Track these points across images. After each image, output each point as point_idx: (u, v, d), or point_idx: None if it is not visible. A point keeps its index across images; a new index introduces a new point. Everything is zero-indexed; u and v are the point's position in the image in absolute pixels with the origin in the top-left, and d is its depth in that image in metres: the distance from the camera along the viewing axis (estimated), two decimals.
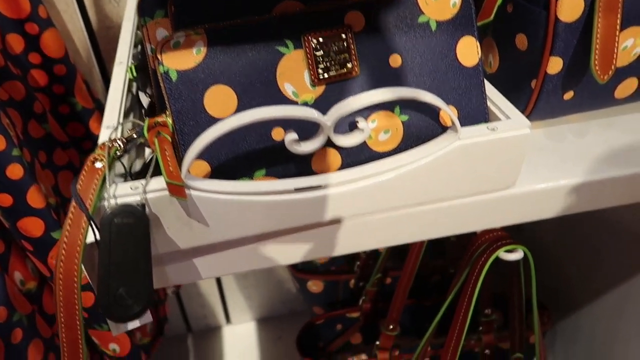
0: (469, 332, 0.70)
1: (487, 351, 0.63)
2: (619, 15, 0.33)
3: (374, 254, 0.69)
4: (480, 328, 0.63)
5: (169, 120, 0.29)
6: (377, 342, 0.61)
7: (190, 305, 0.90)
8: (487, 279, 0.60)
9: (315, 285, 0.73)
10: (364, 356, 0.62)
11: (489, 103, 0.34)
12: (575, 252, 0.75)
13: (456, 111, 0.33)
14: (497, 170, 0.34)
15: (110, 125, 0.33)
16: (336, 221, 0.34)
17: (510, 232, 0.50)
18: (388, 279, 0.70)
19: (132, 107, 0.38)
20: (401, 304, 0.56)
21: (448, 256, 0.68)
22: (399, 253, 0.64)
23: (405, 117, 0.31)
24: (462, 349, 0.64)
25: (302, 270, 0.77)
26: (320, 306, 0.75)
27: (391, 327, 0.59)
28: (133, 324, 0.29)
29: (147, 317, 0.29)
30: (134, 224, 0.26)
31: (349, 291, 0.74)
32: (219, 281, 0.87)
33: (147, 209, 0.28)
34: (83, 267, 0.28)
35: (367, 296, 0.66)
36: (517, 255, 0.40)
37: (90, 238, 0.28)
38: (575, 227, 0.73)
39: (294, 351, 0.68)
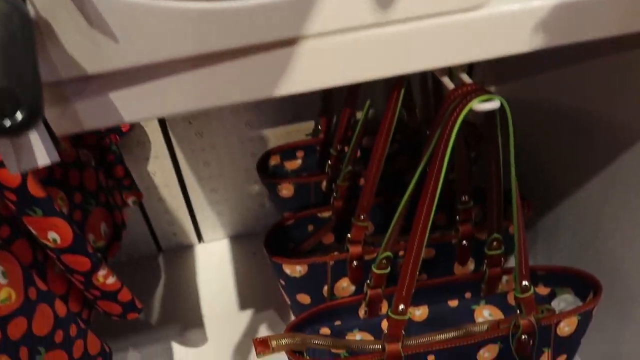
0: (445, 225, 0.67)
1: (464, 242, 0.61)
2: None
3: (343, 151, 0.65)
4: (457, 217, 0.59)
5: None
6: (349, 235, 0.57)
7: (158, 223, 0.86)
8: (465, 161, 0.56)
9: (285, 189, 0.69)
10: (335, 253, 0.59)
11: None
12: (555, 140, 0.71)
13: None
14: None
15: None
16: (293, 41, 0.28)
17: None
18: (361, 179, 0.66)
19: None
20: (373, 186, 0.52)
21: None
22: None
23: None
24: (438, 241, 0.61)
25: (271, 174, 0.73)
26: (293, 212, 0.72)
27: (362, 217, 0.55)
28: (31, 159, 0.24)
29: (50, 149, 0.24)
30: (9, 13, 0.21)
31: (321, 194, 0.70)
32: (186, 197, 0.83)
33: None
34: None
35: (339, 192, 0.62)
36: (493, 104, 0.36)
37: None
38: (556, 113, 0.70)
39: (270, 267, 0.65)
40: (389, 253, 0.50)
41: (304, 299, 0.63)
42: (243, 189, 0.84)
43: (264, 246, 0.61)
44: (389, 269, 0.51)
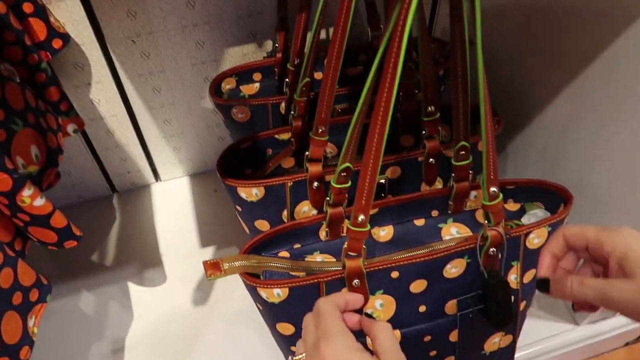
0: (413, 146, 0.63)
1: (431, 160, 0.57)
2: None
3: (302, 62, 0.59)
4: (424, 132, 0.56)
5: None
6: (307, 153, 0.53)
7: (109, 160, 0.80)
8: (430, 72, 0.51)
9: (241, 112, 0.64)
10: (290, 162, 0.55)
11: None
12: (523, 57, 0.68)
13: None
14: None
15: None
16: None
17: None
18: None
19: None
20: (331, 92, 0.47)
21: None
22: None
23: None
24: (404, 158, 0.58)
25: (222, 95, 0.67)
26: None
27: (320, 130, 0.51)
28: None
29: None
30: None
31: (280, 117, 0.65)
32: (137, 129, 0.77)
33: None
34: None
35: (297, 109, 0.57)
36: None
37: None
38: (525, 26, 0.65)
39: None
40: (348, 164, 0.45)
41: (263, 225, 0.59)
42: (199, 120, 0.78)
43: (216, 169, 0.56)
44: (349, 183, 0.47)
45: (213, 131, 0.81)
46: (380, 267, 0.46)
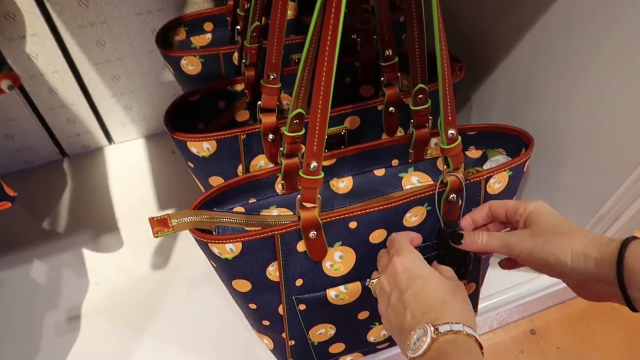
0: (372, 97, 0.61)
1: (391, 109, 0.55)
2: None
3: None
4: (382, 78, 0.53)
5: None
6: (259, 103, 0.50)
7: (55, 122, 0.75)
8: (386, 14, 0.48)
9: (191, 64, 0.60)
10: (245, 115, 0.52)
11: None
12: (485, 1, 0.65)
13: None
14: None
15: None
16: None
17: None
18: None
19: None
20: (280, 33, 0.44)
21: None
22: None
23: None
24: (363, 107, 0.55)
25: (171, 46, 0.63)
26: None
27: (272, 77, 0.48)
28: None
29: None
30: None
31: (234, 69, 0.61)
32: (83, 87, 0.72)
33: None
34: None
35: (248, 57, 0.54)
36: None
37: None
38: None
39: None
40: (299, 110, 0.43)
41: (217, 182, 0.56)
42: (150, 76, 0.74)
43: (164, 124, 0.52)
44: (303, 130, 0.45)
45: (167, 88, 0.76)
46: (337, 217, 0.44)
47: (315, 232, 0.43)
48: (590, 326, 0.76)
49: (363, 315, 0.51)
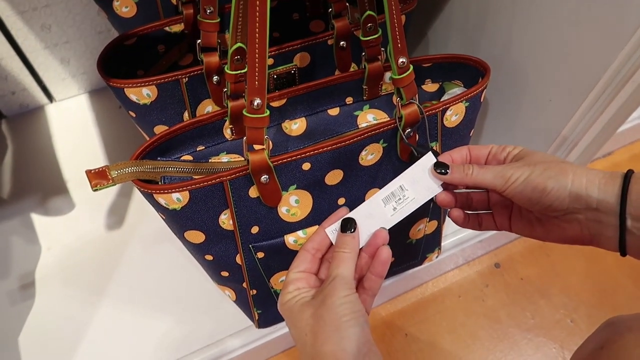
0: (321, 25, 0.57)
1: (342, 43, 0.52)
2: None
3: None
4: (330, 9, 0.50)
5: None
6: (199, 41, 0.46)
7: None
8: None
9: (124, 5, 0.55)
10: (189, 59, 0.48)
11: None
12: None
13: None
14: None
15: None
16: None
17: None
18: None
19: None
20: None
21: None
22: None
23: None
24: (312, 43, 0.52)
25: None
26: None
27: (209, 11, 0.44)
28: None
29: None
30: None
31: (172, 10, 0.57)
32: (10, 39, 0.66)
33: None
34: None
35: None
36: None
37: None
38: None
39: None
40: (240, 44, 0.39)
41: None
42: (85, 24, 0.68)
43: (97, 70, 0.48)
44: (246, 68, 0.41)
45: (105, 38, 0.71)
46: (289, 159, 0.41)
47: (267, 176, 0.41)
48: (551, 257, 0.77)
49: None
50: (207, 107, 0.51)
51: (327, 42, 0.52)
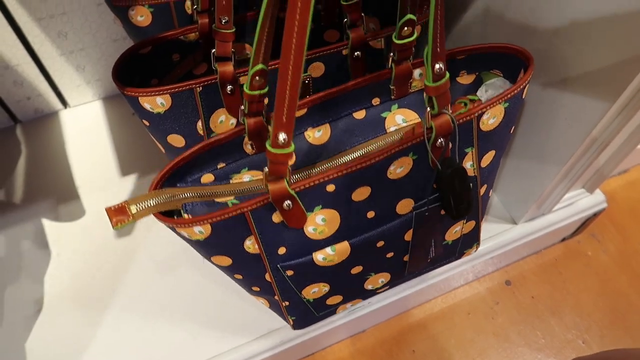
0: (336, 35, 0.57)
1: (357, 53, 0.51)
2: None
3: None
4: (346, 20, 0.50)
5: None
6: (213, 51, 0.46)
7: (2, 86, 0.70)
8: None
9: (140, 15, 0.55)
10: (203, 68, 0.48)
11: None
12: None
13: None
14: None
15: None
16: None
17: None
18: None
19: None
20: None
21: None
22: None
23: None
24: (326, 53, 0.52)
25: None
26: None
27: (224, 21, 0.44)
28: None
29: None
30: None
31: (187, 19, 0.57)
32: (27, 45, 0.66)
33: None
34: None
35: (200, 3, 0.50)
36: None
37: None
38: None
39: None
40: (261, 65, 0.37)
41: (177, 140, 0.52)
42: (101, 32, 0.68)
43: (112, 78, 0.48)
44: (266, 88, 0.39)
45: (120, 45, 0.71)
46: (311, 184, 0.39)
47: (290, 202, 0.39)
48: (563, 274, 0.76)
49: (356, 270, 0.49)
50: (221, 117, 0.51)
51: (342, 52, 0.52)
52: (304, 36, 0.31)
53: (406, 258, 0.51)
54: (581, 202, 0.72)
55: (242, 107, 0.41)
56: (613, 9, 0.44)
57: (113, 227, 0.37)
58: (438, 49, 0.37)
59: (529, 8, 0.53)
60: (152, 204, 0.39)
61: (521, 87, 0.44)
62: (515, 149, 0.64)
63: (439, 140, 0.41)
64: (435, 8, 0.35)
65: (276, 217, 0.41)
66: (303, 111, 0.45)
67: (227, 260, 0.44)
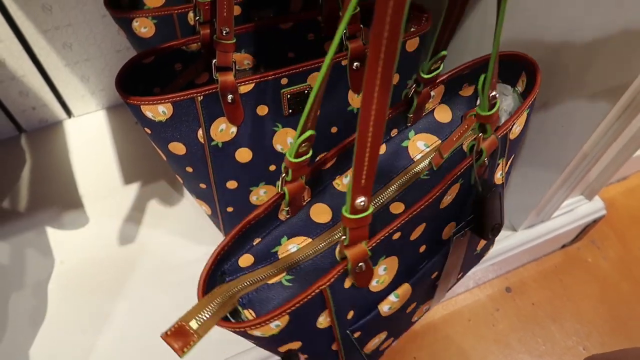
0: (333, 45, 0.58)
1: (356, 64, 0.52)
2: None
3: None
4: (345, 31, 0.50)
5: None
6: (214, 61, 0.47)
7: (8, 97, 0.71)
8: None
9: (144, 26, 0.57)
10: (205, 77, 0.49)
11: None
12: None
13: None
14: None
15: None
16: None
17: None
18: None
19: None
20: None
21: None
22: None
23: None
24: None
25: (122, 7, 0.59)
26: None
27: (225, 32, 0.45)
28: None
29: None
30: None
31: (190, 30, 0.58)
32: (33, 56, 0.68)
33: None
34: None
35: (202, 14, 0.51)
36: None
37: None
38: None
39: None
40: (312, 132, 0.34)
41: (178, 148, 0.53)
42: (105, 43, 0.70)
43: (115, 88, 0.49)
44: (310, 152, 0.36)
45: (124, 56, 0.73)
46: (383, 236, 0.37)
47: (363, 264, 0.36)
48: (564, 281, 0.76)
49: (411, 307, 0.47)
50: (221, 125, 0.52)
51: (341, 63, 0.52)
52: (387, 97, 0.26)
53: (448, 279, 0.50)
54: (580, 209, 0.72)
55: (283, 175, 0.38)
56: (607, 22, 0.45)
57: (180, 355, 0.31)
58: (493, 80, 0.37)
59: (526, 21, 0.55)
60: (211, 313, 0.34)
61: (537, 92, 0.45)
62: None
63: (485, 160, 0.41)
64: (496, 46, 0.35)
65: (347, 282, 0.38)
66: (333, 161, 0.44)
67: (296, 344, 0.39)
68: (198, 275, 0.60)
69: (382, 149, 0.47)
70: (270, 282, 0.39)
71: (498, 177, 0.47)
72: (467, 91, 0.51)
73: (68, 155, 0.76)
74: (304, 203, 0.42)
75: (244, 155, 0.54)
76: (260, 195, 0.58)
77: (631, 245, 0.80)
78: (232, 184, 0.56)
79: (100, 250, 0.67)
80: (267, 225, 0.41)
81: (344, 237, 0.34)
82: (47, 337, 0.61)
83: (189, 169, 0.55)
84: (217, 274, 0.39)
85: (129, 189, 0.73)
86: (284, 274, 0.40)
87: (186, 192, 0.73)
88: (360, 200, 0.31)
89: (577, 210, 0.72)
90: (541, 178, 0.61)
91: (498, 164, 0.46)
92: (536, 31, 0.54)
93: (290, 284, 0.40)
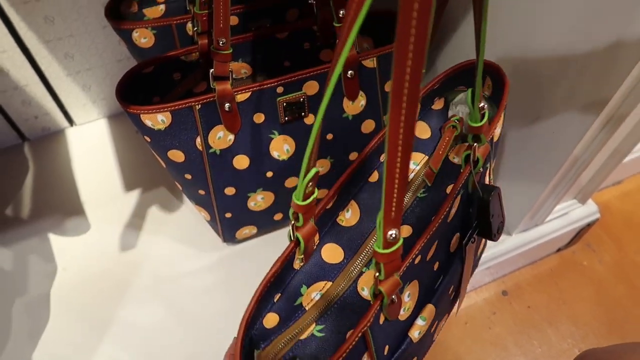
0: (331, 54, 0.60)
1: (350, 72, 0.54)
2: None
3: None
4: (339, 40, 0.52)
5: None
6: (212, 71, 0.49)
7: (11, 106, 0.72)
8: None
9: (143, 37, 0.58)
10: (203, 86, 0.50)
11: None
12: None
13: None
14: None
15: None
16: None
17: None
18: None
19: None
20: (226, 2, 0.42)
21: None
22: None
23: None
24: (321, 72, 0.54)
25: (122, 19, 0.61)
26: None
27: (222, 42, 0.46)
28: None
29: None
30: None
31: (189, 40, 0.60)
32: (35, 66, 0.69)
33: None
34: None
35: (199, 24, 0.52)
36: None
37: None
38: None
39: None
40: (316, 169, 0.33)
41: (177, 156, 0.54)
42: (106, 52, 0.71)
43: (116, 97, 0.51)
44: (316, 192, 0.35)
45: (124, 65, 0.74)
46: (407, 263, 0.37)
47: (395, 296, 0.35)
48: (559, 284, 0.77)
49: (434, 326, 0.47)
50: (219, 133, 0.54)
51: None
52: (412, 132, 0.26)
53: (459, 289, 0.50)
54: (574, 213, 0.73)
55: (293, 222, 0.36)
56: (588, 40, 0.46)
57: None
58: (480, 91, 0.38)
59: (516, 38, 0.56)
60: None
61: (507, 92, 0.46)
62: (505, 162, 0.66)
63: (481, 169, 0.42)
64: (481, 62, 0.36)
65: (382, 318, 0.37)
66: (334, 199, 0.44)
67: None
68: (198, 281, 0.60)
69: (375, 177, 0.47)
70: (302, 337, 0.39)
71: (487, 179, 0.48)
72: (438, 104, 0.52)
73: (70, 163, 0.77)
74: (315, 247, 0.41)
75: (241, 162, 0.55)
76: (258, 201, 0.60)
77: (627, 249, 0.81)
78: (230, 190, 0.57)
79: (102, 257, 0.69)
80: (284, 278, 0.40)
81: (377, 273, 0.33)
82: (49, 343, 0.62)
83: (188, 176, 0.56)
84: (246, 341, 0.37)
85: (130, 195, 0.74)
86: (313, 325, 0.40)
87: (185, 199, 0.74)
88: (392, 232, 0.30)
89: (570, 214, 0.73)
90: (534, 182, 0.62)
91: (487, 168, 0.47)
92: (524, 48, 0.55)
93: (323, 334, 0.40)
